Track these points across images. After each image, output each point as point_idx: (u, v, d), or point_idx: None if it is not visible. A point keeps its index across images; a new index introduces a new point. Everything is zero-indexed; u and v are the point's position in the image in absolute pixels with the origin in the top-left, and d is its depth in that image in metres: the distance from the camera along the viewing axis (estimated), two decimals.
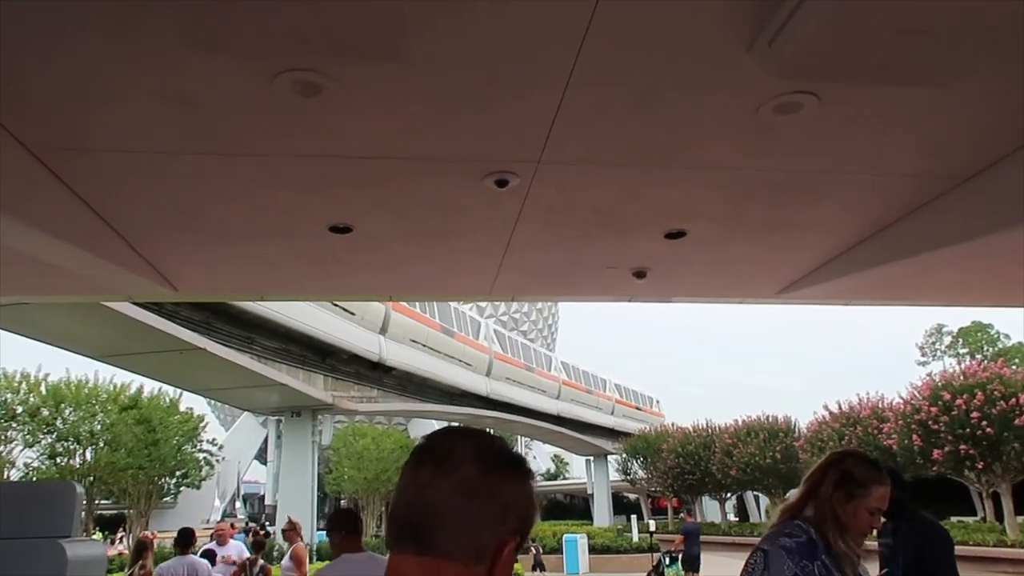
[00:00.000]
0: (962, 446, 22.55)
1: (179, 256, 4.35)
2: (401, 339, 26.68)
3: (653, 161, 3.26)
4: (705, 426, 40.65)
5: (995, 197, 3.40)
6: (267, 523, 26.95)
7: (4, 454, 22.51)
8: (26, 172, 3.02)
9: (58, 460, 22.39)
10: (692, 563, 16.62)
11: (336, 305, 21.39)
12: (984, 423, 21.97)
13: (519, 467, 1.01)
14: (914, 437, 24.10)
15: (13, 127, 2.76)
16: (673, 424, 43.96)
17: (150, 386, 24.73)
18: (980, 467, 22.87)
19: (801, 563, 2.13)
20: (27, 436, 21.91)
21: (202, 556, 9.45)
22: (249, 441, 52.61)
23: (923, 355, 57.32)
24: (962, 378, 23.68)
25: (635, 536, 28.32)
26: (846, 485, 2.29)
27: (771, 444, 34.54)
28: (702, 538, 34.69)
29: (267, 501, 37.58)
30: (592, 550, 24.68)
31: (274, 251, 4.30)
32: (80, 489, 3.78)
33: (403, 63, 2.44)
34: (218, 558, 8.83)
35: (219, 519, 28.73)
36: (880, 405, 29.06)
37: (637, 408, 57.05)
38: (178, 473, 31.90)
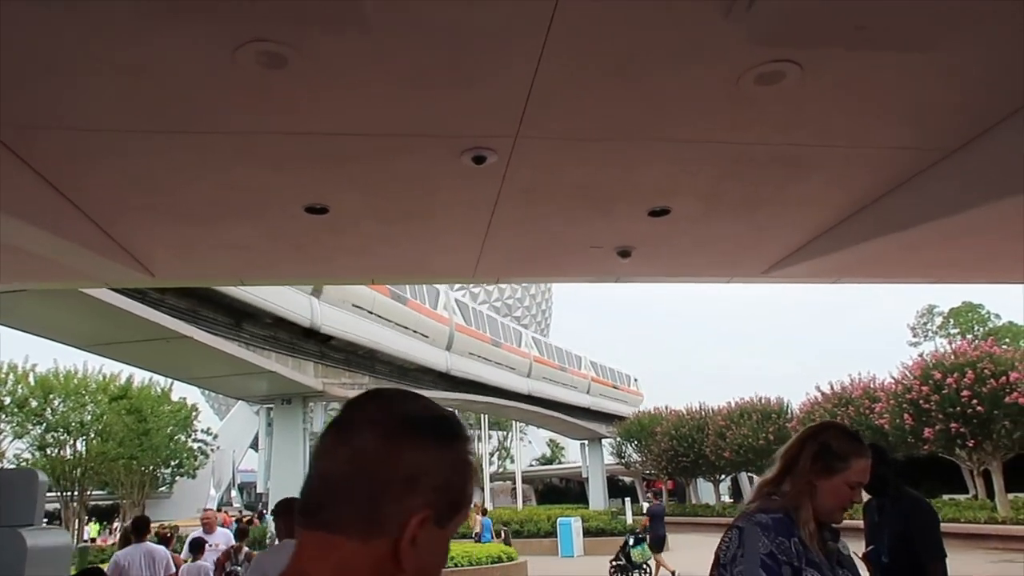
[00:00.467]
0: (953, 424, 22.63)
1: (153, 240, 4.25)
2: (339, 303, 22.61)
3: (633, 136, 3.18)
4: (699, 408, 40.85)
5: (984, 169, 3.33)
6: (264, 511, 26.93)
7: None
8: None
9: (48, 451, 22.33)
10: (658, 543, 17.04)
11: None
12: (975, 401, 22.03)
13: (436, 432, 0.90)
14: (905, 416, 24.17)
15: None
16: (667, 407, 44.07)
17: (140, 376, 24.69)
18: (971, 445, 22.97)
19: (776, 540, 2.06)
20: (16, 427, 21.82)
21: (190, 544, 9.41)
22: (244, 430, 52.57)
23: (915, 336, 57.58)
24: (953, 357, 23.75)
25: (629, 519, 28.44)
26: (825, 458, 2.20)
27: (764, 425, 34.68)
28: (698, 519, 35.10)
29: (259, 489, 37.53)
30: (586, 533, 24.74)
31: (250, 233, 4.21)
32: (43, 478, 3.70)
33: (367, 33, 2.35)
34: (206, 546, 8.78)
35: (215, 508, 28.68)
36: (872, 385, 29.17)
37: (614, 387, 53.82)
38: (172, 463, 31.85)
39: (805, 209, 4.04)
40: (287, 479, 21.62)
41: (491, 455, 50.87)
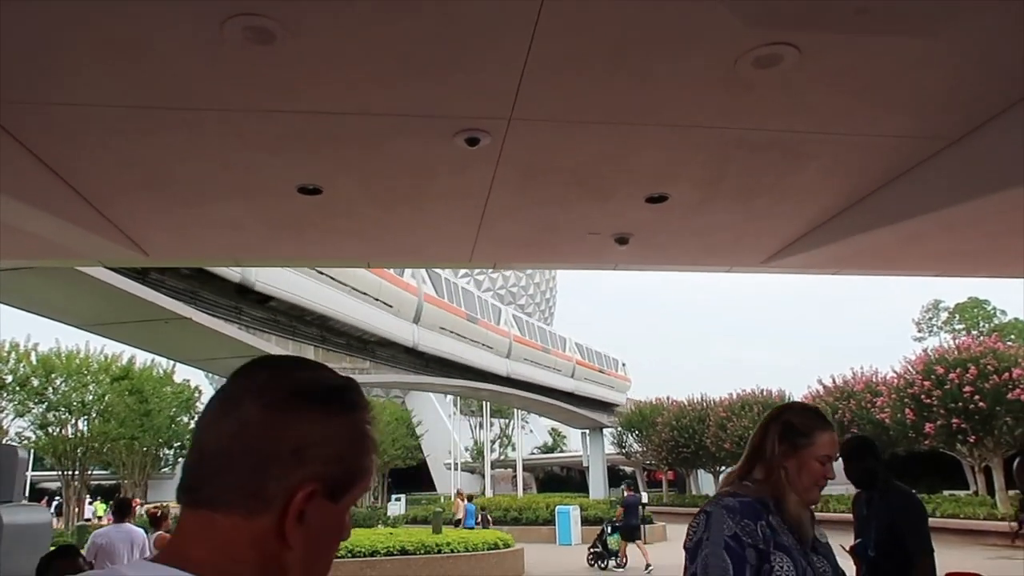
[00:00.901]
0: (954, 420, 22.59)
1: (146, 219, 4.22)
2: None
3: (629, 119, 3.13)
4: (700, 400, 40.84)
5: (985, 159, 3.27)
6: None
7: None
8: None
9: (50, 430, 22.44)
10: (631, 533, 17.87)
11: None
12: (977, 397, 21.99)
13: (328, 401, 0.84)
14: (907, 411, 24.13)
15: None
16: (668, 397, 44.06)
17: (142, 357, 24.76)
18: (972, 441, 22.92)
19: (742, 522, 2.02)
20: (18, 406, 21.92)
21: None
22: None
23: (919, 331, 57.42)
24: (956, 352, 23.69)
25: None
26: (789, 437, 2.17)
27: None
28: (697, 510, 34.93)
29: None
30: (584, 521, 24.79)
31: (244, 214, 4.18)
32: (23, 454, 3.67)
33: (353, 9, 2.31)
34: None
35: None
36: (874, 379, 29.13)
37: (601, 371, 50.49)
38: (175, 444, 32.00)
39: (804, 198, 3.98)
40: None
41: (492, 442, 50.93)
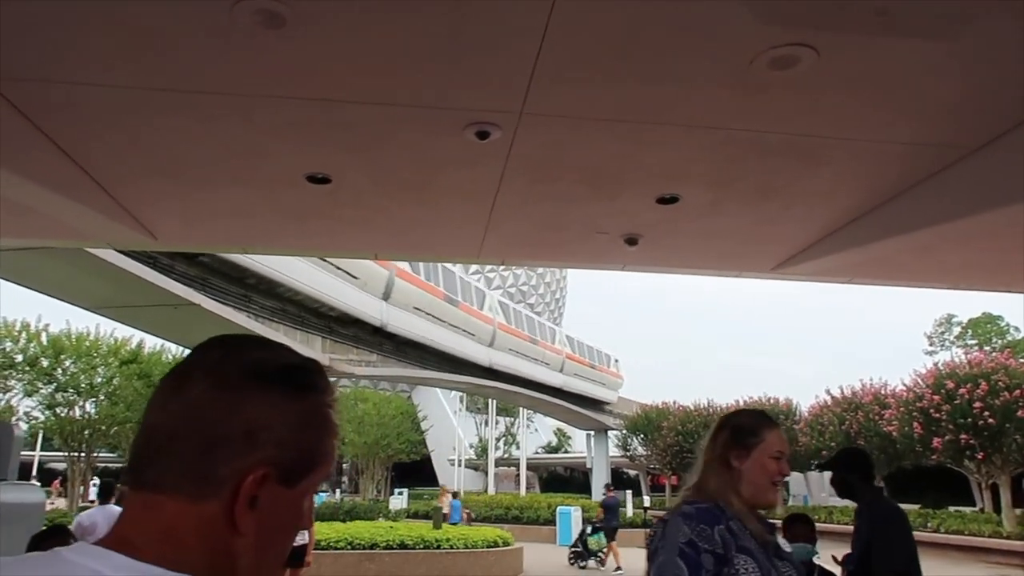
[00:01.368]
0: (963, 436, 22.35)
1: (155, 203, 4.21)
2: None
3: (642, 118, 3.09)
4: (706, 405, 40.66)
5: (1004, 170, 3.22)
6: None
7: (3, 403, 22.67)
8: None
9: (57, 411, 22.54)
10: (611, 534, 18.42)
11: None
12: (986, 413, 21.76)
13: (284, 381, 0.80)
14: (915, 424, 23.91)
15: None
16: (675, 402, 43.85)
17: (152, 341, 24.86)
18: (980, 458, 22.68)
19: (698, 528, 2.01)
20: (27, 385, 22.04)
21: None
22: None
23: (931, 344, 57.00)
24: (967, 367, 23.47)
25: (629, 511, 28.42)
26: (739, 439, 2.19)
27: None
28: None
29: None
30: (586, 522, 24.78)
31: (253, 201, 4.16)
32: (18, 432, 3.67)
33: None
34: None
35: None
36: (883, 391, 28.90)
37: (592, 366, 47.64)
38: None
39: (817, 204, 3.93)
40: None
41: (497, 440, 50.90)
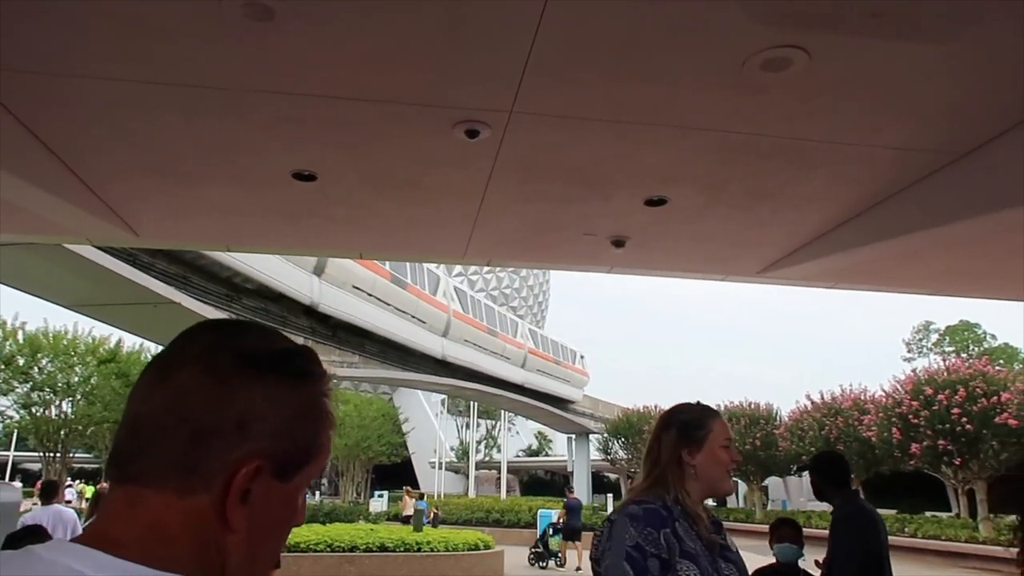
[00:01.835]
0: (941, 441, 22.60)
1: (138, 198, 4.15)
2: None
3: (632, 119, 3.08)
4: None
5: (990, 176, 3.23)
6: None
7: None
8: None
9: (33, 410, 22.26)
10: (572, 534, 18.75)
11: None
12: (964, 420, 22.02)
13: (278, 368, 0.75)
14: (894, 430, 24.15)
15: None
16: (656, 406, 43.97)
17: (131, 340, 24.58)
18: (957, 463, 22.96)
19: (645, 530, 1.98)
20: (2, 384, 21.74)
21: None
22: None
23: (909, 351, 57.63)
24: (945, 374, 23.73)
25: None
26: (686, 434, 2.16)
27: (752, 430, 34.64)
28: None
29: None
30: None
31: (237, 197, 4.11)
32: None
33: None
34: None
35: None
36: (862, 397, 29.16)
37: (556, 362, 45.25)
38: None
39: (805, 208, 3.94)
40: None
41: (478, 443, 50.79)
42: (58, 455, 23.77)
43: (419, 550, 13.99)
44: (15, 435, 33.57)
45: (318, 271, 22.74)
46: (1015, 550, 1.62)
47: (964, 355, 40.66)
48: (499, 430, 53.60)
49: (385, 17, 2.40)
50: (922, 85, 2.71)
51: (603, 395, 54.03)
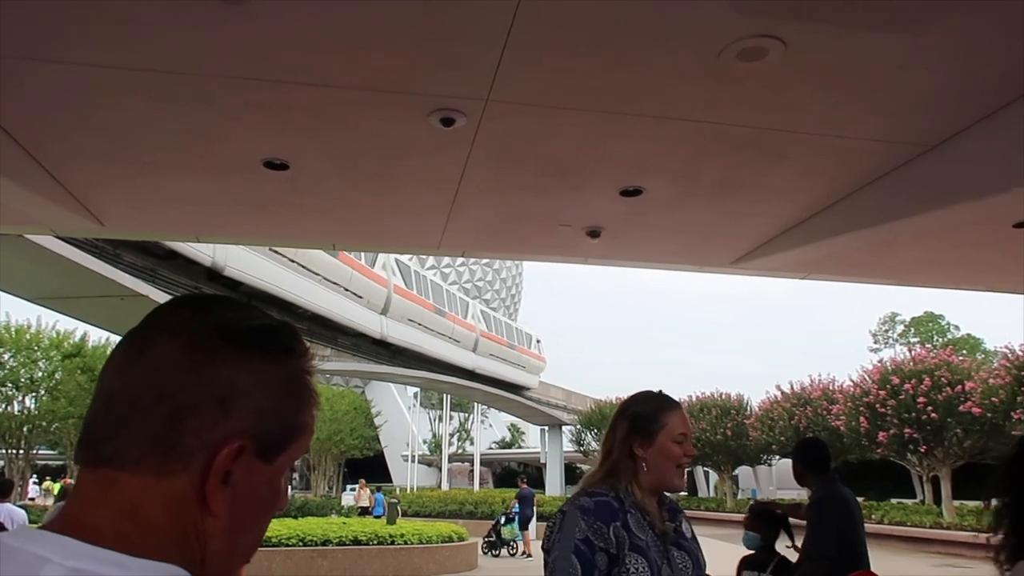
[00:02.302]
0: (907, 430, 23.04)
1: (103, 187, 4.04)
2: None
3: (608, 108, 3.06)
4: None
5: (960, 167, 3.27)
6: None
7: None
8: None
9: None
10: (525, 523, 19.76)
11: None
12: (929, 408, 22.48)
13: (260, 343, 0.71)
14: (861, 419, 24.58)
15: None
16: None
17: (97, 334, 24.14)
18: (923, 451, 23.43)
19: (595, 524, 1.98)
20: None
21: None
22: None
23: (876, 342, 58.63)
24: (911, 364, 24.18)
25: None
26: (640, 426, 2.13)
27: (723, 420, 35.06)
28: None
29: None
30: (540, 518, 24.85)
31: (206, 186, 4.02)
32: None
33: None
34: None
35: None
36: (831, 387, 29.61)
37: (510, 346, 42.71)
38: None
39: (779, 198, 3.96)
40: None
41: (451, 436, 50.74)
42: (21, 452, 23.30)
43: (392, 543, 13.95)
44: None
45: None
46: (987, 535, 1.62)
47: (929, 345, 41.44)
48: (472, 423, 53.61)
49: (359, 2, 2.35)
50: (894, 77, 2.72)
51: (578, 388, 54.27)
